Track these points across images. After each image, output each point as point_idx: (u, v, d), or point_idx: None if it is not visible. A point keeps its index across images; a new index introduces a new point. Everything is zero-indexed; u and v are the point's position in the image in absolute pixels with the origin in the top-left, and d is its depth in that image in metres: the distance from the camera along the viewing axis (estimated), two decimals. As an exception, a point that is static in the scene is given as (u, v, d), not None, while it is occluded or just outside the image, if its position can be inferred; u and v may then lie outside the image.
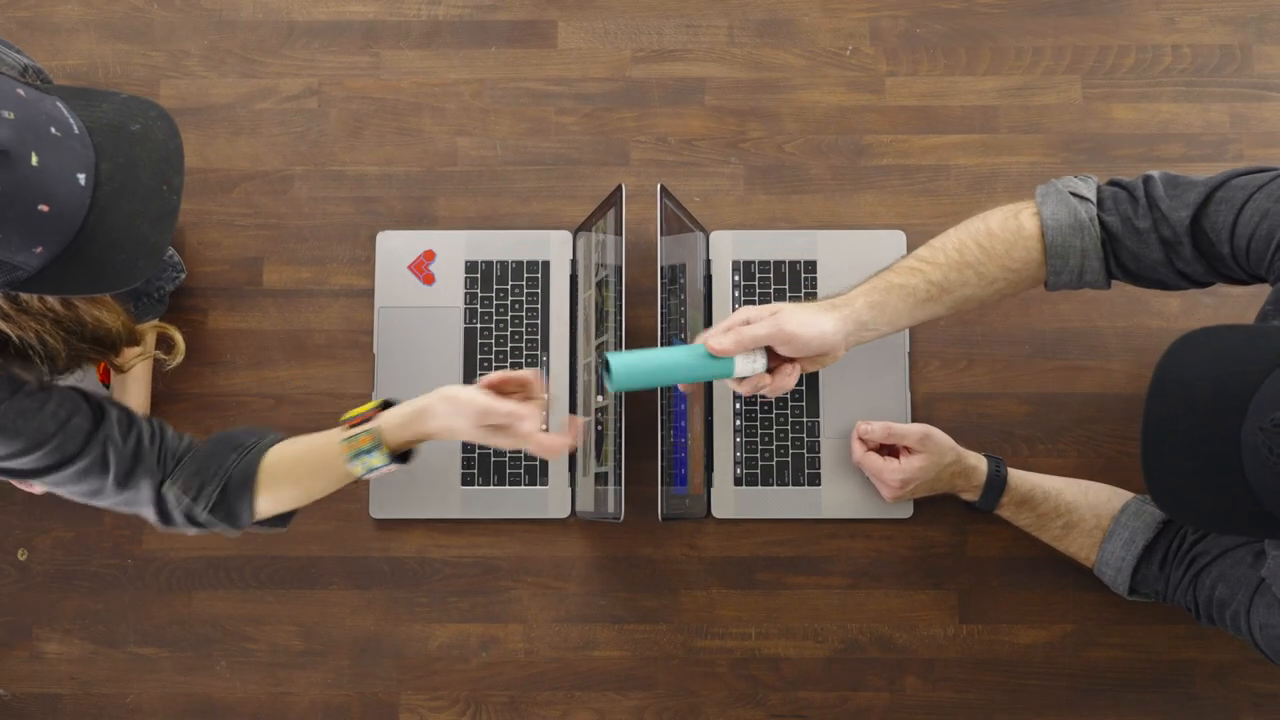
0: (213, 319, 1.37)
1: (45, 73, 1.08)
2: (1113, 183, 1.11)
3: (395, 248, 1.37)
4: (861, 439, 1.29)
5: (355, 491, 1.33)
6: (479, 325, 1.36)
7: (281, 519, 1.16)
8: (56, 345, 0.98)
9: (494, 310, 1.36)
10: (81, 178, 0.86)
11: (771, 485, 1.33)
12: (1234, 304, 1.35)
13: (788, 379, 1.12)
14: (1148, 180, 1.07)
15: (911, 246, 1.36)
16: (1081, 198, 1.10)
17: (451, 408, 1.08)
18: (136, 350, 1.10)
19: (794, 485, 1.33)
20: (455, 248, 1.37)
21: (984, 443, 1.33)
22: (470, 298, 1.36)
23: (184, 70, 1.41)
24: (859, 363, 1.34)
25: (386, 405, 1.11)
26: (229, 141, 1.40)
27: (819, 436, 1.33)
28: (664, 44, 1.42)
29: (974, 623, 1.31)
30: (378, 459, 1.08)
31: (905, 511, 1.32)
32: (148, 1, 1.43)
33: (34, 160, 0.83)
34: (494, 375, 1.11)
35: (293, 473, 1.12)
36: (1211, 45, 1.40)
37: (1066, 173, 1.38)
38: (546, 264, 1.37)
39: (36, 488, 1.27)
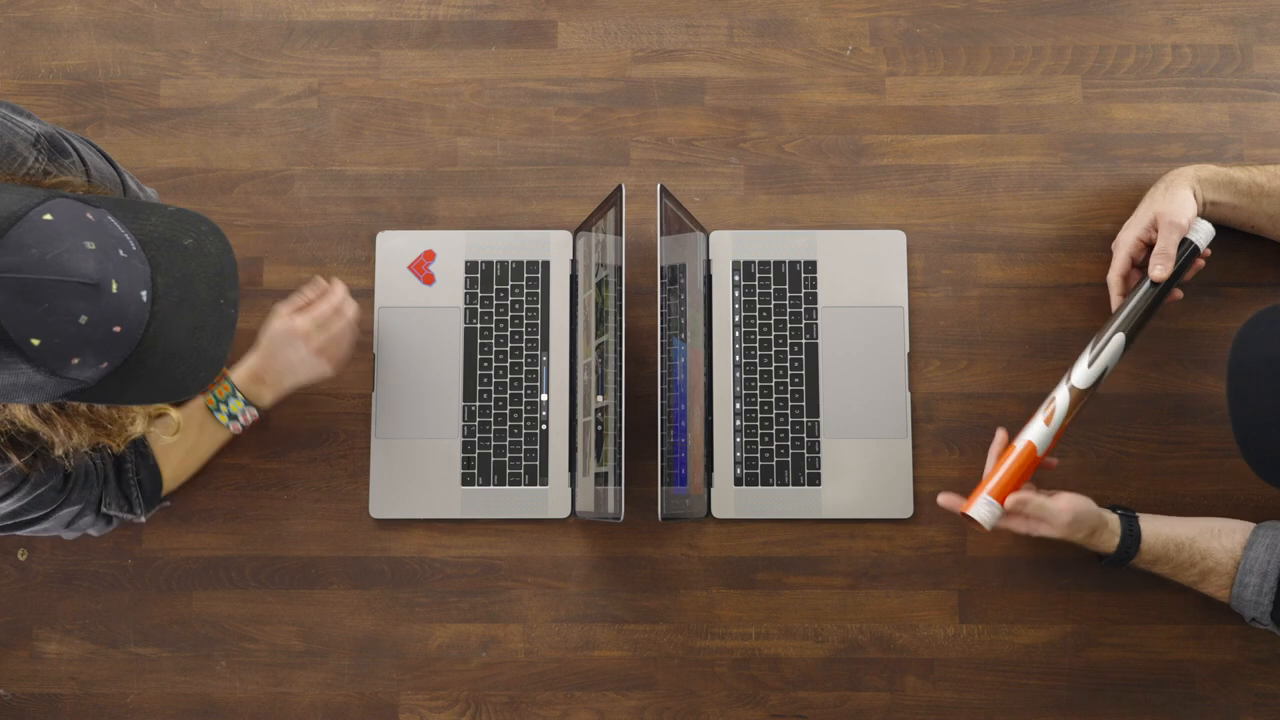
0: (213, 319, 1.37)
1: (56, 137, 1.08)
2: None
3: (395, 248, 1.37)
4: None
5: (355, 492, 1.33)
6: (479, 325, 1.36)
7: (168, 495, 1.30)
8: (80, 441, 0.99)
9: (494, 310, 1.36)
10: (144, 294, 0.88)
11: (771, 485, 1.33)
12: (1233, 304, 1.35)
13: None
14: None
15: (911, 246, 1.37)
16: None
17: (280, 342, 1.25)
18: (132, 433, 1.11)
19: (794, 485, 1.33)
20: (455, 248, 1.37)
21: (984, 442, 1.33)
22: (470, 298, 1.36)
23: (184, 70, 1.41)
24: (859, 363, 1.35)
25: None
26: (229, 141, 1.40)
27: (819, 436, 1.33)
28: (664, 44, 1.42)
29: (974, 623, 1.31)
30: (236, 404, 1.26)
31: (905, 511, 1.32)
32: (148, 1, 1.43)
33: (114, 288, 0.84)
34: (297, 298, 1.28)
35: (185, 452, 1.27)
36: (1211, 45, 1.40)
37: (1066, 172, 1.38)
38: (546, 264, 1.37)
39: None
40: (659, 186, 1.18)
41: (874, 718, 1.30)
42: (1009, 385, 1.35)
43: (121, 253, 0.87)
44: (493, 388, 1.35)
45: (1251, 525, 1.22)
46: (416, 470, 1.33)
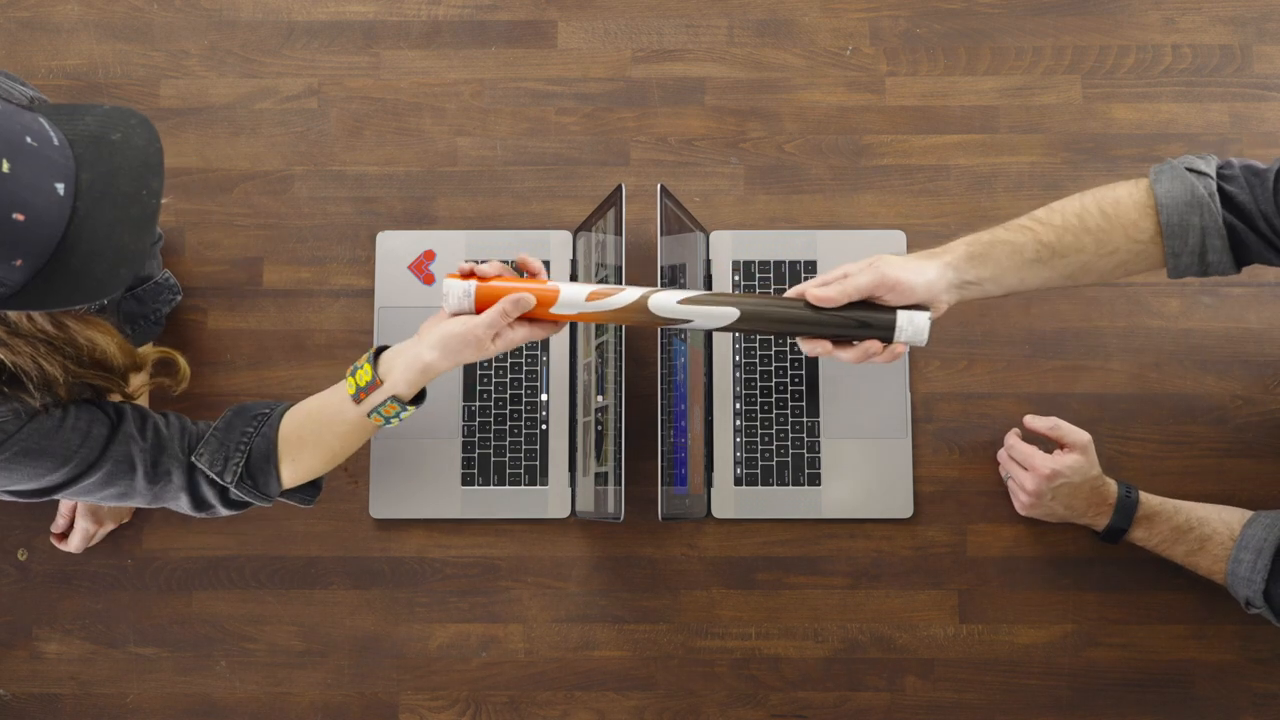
0: (213, 319, 1.37)
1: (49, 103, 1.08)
2: (1236, 162, 1.07)
3: (395, 248, 1.37)
4: (1025, 424, 1.25)
5: (355, 492, 1.33)
6: (479, 325, 1.36)
7: (309, 491, 1.17)
8: (54, 371, 0.97)
9: (494, 310, 1.36)
10: (60, 187, 0.85)
11: (771, 485, 1.33)
12: (1233, 304, 1.35)
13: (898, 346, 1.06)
14: None
15: (911, 246, 1.37)
16: (1200, 173, 1.05)
17: (445, 351, 1.08)
18: (143, 379, 1.08)
19: (794, 485, 1.33)
20: (455, 248, 1.37)
21: (984, 442, 1.33)
22: (470, 298, 1.36)
23: (184, 70, 1.41)
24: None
25: (380, 351, 1.12)
26: (229, 141, 1.40)
27: (819, 436, 1.33)
28: (664, 44, 1.42)
29: (974, 623, 1.31)
30: (407, 413, 1.11)
31: (905, 511, 1.32)
32: (148, 1, 1.43)
33: (4, 167, 0.82)
34: (488, 268, 1.09)
35: (314, 436, 1.12)
36: (1211, 45, 1.40)
37: (1066, 172, 1.38)
38: (547, 264, 1.37)
39: (72, 544, 1.31)
40: (659, 186, 1.18)
41: (874, 718, 1.30)
42: (1009, 385, 1.35)
43: (29, 140, 0.84)
44: (493, 388, 1.35)
45: (1250, 511, 1.23)
46: (416, 470, 1.33)
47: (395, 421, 1.11)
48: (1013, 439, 1.29)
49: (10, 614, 1.33)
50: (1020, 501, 1.28)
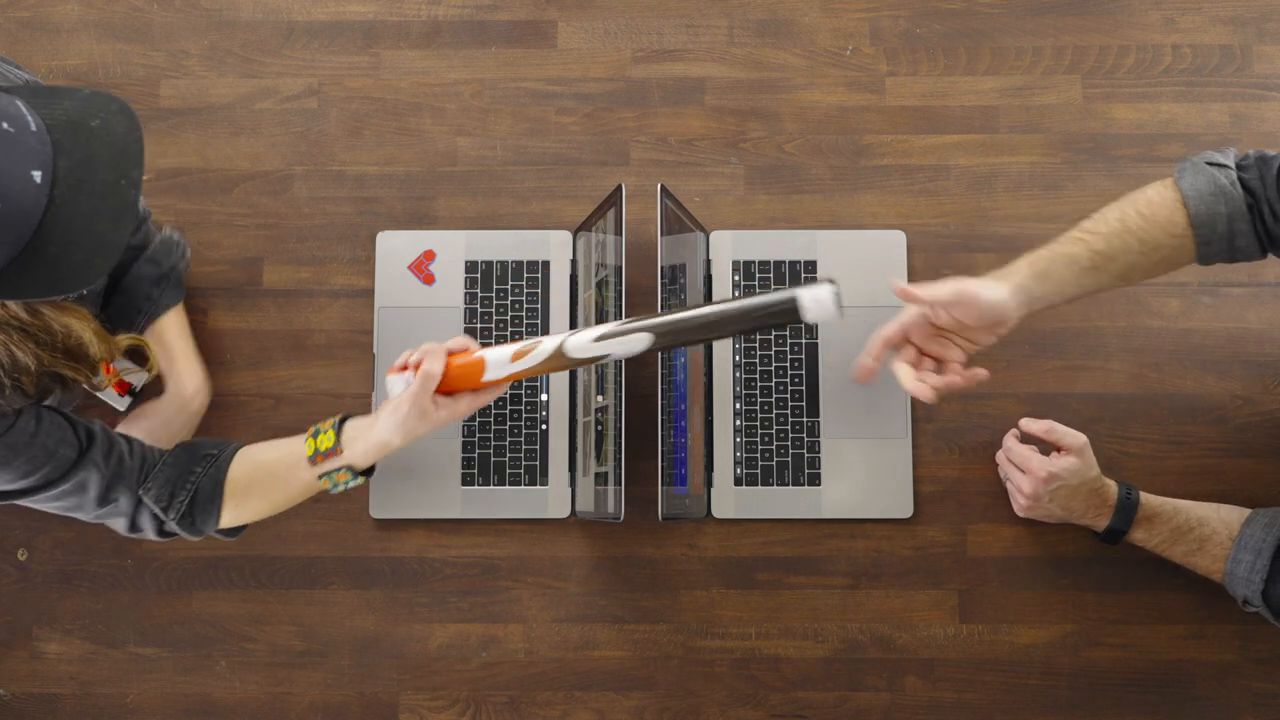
0: (213, 319, 1.37)
1: (39, 85, 1.07)
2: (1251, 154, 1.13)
3: (395, 248, 1.37)
4: (1021, 428, 1.27)
5: (355, 492, 1.33)
6: (479, 325, 1.36)
7: (237, 529, 1.19)
8: (25, 359, 0.96)
9: (494, 310, 1.36)
10: (38, 175, 0.83)
11: (771, 485, 1.33)
12: (1233, 304, 1.35)
13: (971, 370, 1.13)
14: None
15: (912, 246, 1.37)
16: (1220, 165, 1.12)
17: (397, 420, 1.10)
18: (111, 374, 1.06)
19: (794, 485, 1.33)
20: (455, 248, 1.37)
21: (984, 442, 1.33)
22: (470, 298, 1.36)
23: (184, 70, 1.41)
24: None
25: (345, 419, 1.15)
26: (229, 141, 1.40)
27: (819, 436, 1.33)
28: (664, 44, 1.42)
29: (974, 623, 1.31)
30: (354, 484, 1.14)
31: (905, 511, 1.32)
32: (148, 1, 1.43)
33: None
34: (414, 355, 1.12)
35: (262, 486, 1.15)
36: (1211, 45, 1.40)
37: (1066, 172, 1.38)
38: (546, 264, 1.37)
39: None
40: (659, 186, 1.18)
41: (874, 718, 1.30)
42: (1009, 385, 1.35)
43: (5, 125, 0.81)
44: (493, 388, 1.35)
45: (1249, 510, 1.23)
46: (416, 470, 1.33)
47: (342, 489, 1.14)
48: (1010, 441, 1.29)
49: (10, 614, 1.33)
50: (1018, 503, 1.28)
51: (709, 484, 1.33)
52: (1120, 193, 1.37)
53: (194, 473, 1.13)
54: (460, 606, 1.33)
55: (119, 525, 1.14)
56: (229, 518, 1.15)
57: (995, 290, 1.10)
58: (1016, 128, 1.40)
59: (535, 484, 1.33)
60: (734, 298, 1.09)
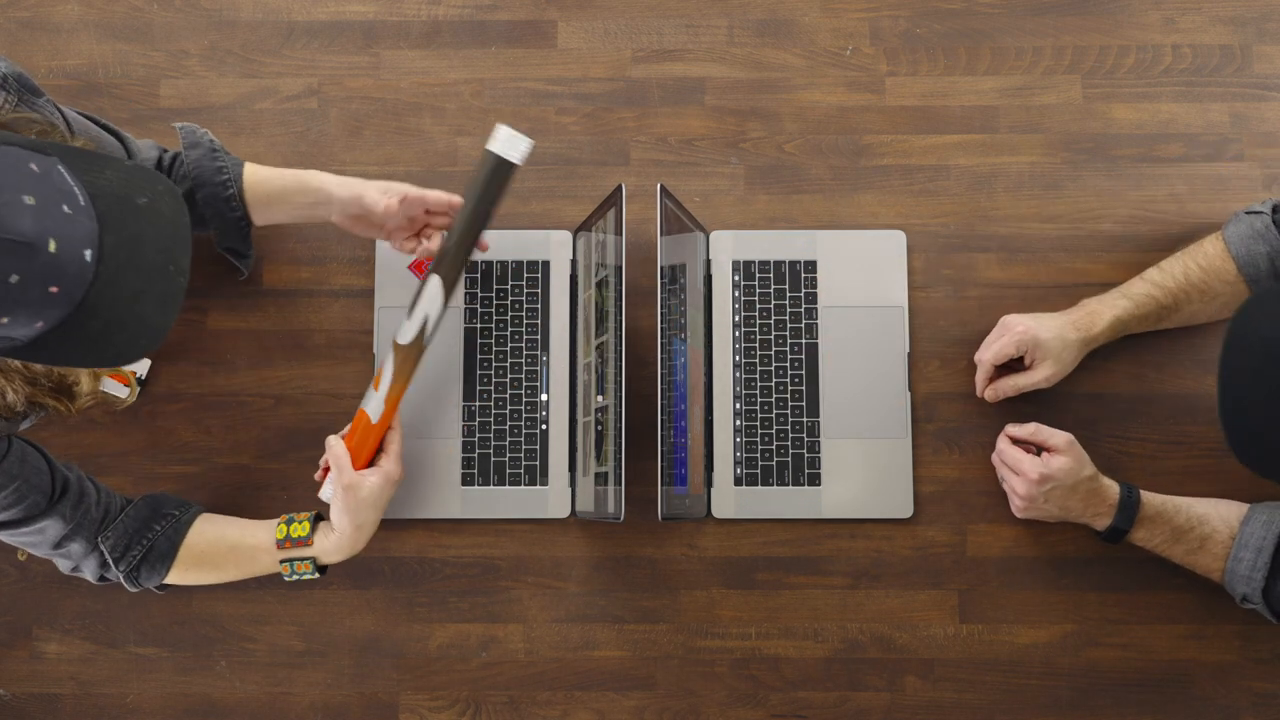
0: (213, 319, 1.37)
1: (26, 77, 1.05)
2: None
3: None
4: (1008, 434, 1.29)
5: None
6: (479, 325, 1.36)
7: (167, 586, 1.25)
8: (16, 399, 0.95)
9: (494, 310, 1.36)
10: (88, 254, 0.82)
11: (771, 485, 1.33)
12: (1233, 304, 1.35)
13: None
14: None
15: (911, 246, 1.37)
16: (1256, 213, 1.25)
17: (343, 512, 1.19)
18: (87, 400, 1.05)
19: (794, 485, 1.33)
20: (455, 248, 1.37)
21: (984, 442, 1.33)
22: (470, 298, 1.36)
23: (184, 70, 1.41)
24: (859, 363, 1.34)
25: (319, 517, 1.24)
26: (229, 141, 1.40)
27: (819, 436, 1.33)
28: (664, 44, 1.42)
29: (974, 623, 1.31)
30: (309, 577, 1.22)
31: (905, 511, 1.32)
32: (148, 1, 1.43)
33: (52, 247, 0.79)
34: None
35: (219, 558, 1.23)
36: (1211, 45, 1.40)
37: (1066, 172, 1.38)
38: (546, 264, 1.37)
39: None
40: (659, 186, 1.18)
41: (874, 718, 1.30)
42: (1009, 385, 1.35)
43: (66, 208, 0.81)
44: (493, 388, 1.35)
45: (1247, 505, 1.23)
46: (416, 470, 1.33)
47: (296, 579, 1.22)
48: (1002, 443, 1.29)
49: (10, 614, 1.33)
50: (1015, 505, 1.28)
51: (709, 484, 1.33)
52: (1120, 192, 1.38)
53: (153, 530, 1.21)
54: (460, 606, 1.33)
55: (64, 566, 1.20)
56: (175, 578, 1.22)
57: (1062, 340, 1.25)
58: (1016, 128, 1.40)
59: (535, 484, 1.33)
60: (466, 199, 1.22)
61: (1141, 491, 1.25)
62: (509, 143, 1.20)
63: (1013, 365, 1.29)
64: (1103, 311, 1.26)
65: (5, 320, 0.79)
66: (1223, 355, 0.95)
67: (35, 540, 1.15)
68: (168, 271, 0.87)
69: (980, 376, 1.30)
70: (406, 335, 1.21)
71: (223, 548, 1.22)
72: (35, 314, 0.80)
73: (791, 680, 1.31)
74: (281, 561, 1.21)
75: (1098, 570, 1.31)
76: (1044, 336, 1.24)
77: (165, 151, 1.24)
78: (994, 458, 1.31)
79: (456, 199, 1.25)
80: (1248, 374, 0.93)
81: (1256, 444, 0.94)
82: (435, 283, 1.21)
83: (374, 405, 1.22)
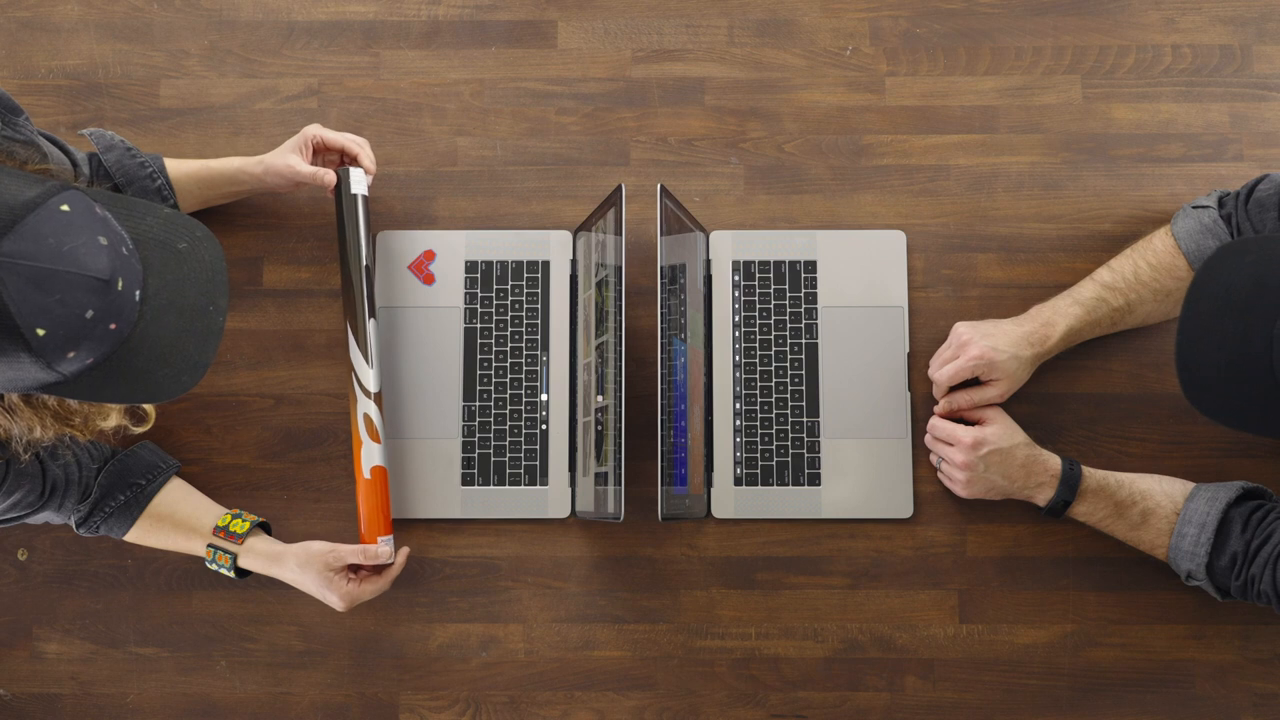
0: (213, 319, 1.37)
1: (5, 96, 1.06)
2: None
3: (395, 248, 1.37)
4: (939, 411, 1.30)
5: (355, 492, 1.33)
6: (479, 325, 1.36)
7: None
8: (44, 434, 0.97)
9: (494, 310, 1.36)
10: (137, 294, 0.88)
11: (771, 485, 1.33)
12: (1234, 304, 1.35)
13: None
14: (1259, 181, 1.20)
15: (911, 246, 1.37)
16: (1203, 207, 1.23)
17: (300, 562, 1.23)
18: (102, 427, 1.07)
19: (794, 485, 1.33)
20: (455, 248, 1.37)
21: (984, 443, 1.33)
22: (470, 298, 1.36)
23: (184, 70, 1.41)
24: (859, 363, 1.34)
25: (265, 526, 1.29)
26: (229, 141, 1.40)
27: (819, 436, 1.33)
28: (664, 44, 1.42)
29: (974, 623, 1.31)
30: (226, 572, 1.25)
31: (905, 511, 1.32)
32: (148, 1, 1.43)
33: (120, 285, 0.85)
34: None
35: (164, 530, 1.26)
36: (1211, 45, 1.40)
37: (1066, 172, 1.38)
38: (546, 264, 1.37)
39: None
40: (659, 186, 1.18)
41: (874, 718, 1.30)
42: (1009, 385, 1.35)
43: (124, 250, 0.87)
44: (493, 388, 1.35)
45: (1192, 483, 1.24)
46: (416, 470, 1.33)
47: (214, 568, 1.25)
48: (933, 420, 1.30)
49: (10, 614, 1.33)
50: (957, 480, 1.28)
51: (709, 484, 1.33)
52: (1120, 192, 1.38)
53: (115, 499, 1.24)
54: (460, 606, 1.33)
55: (31, 522, 1.23)
56: (130, 537, 1.27)
57: (1016, 357, 1.25)
58: (1016, 128, 1.40)
59: (535, 484, 1.33)
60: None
61: (1083, 466, 1.25)
62: (355, 181, 1.29)
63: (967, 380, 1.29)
64: (1056, 322, 1.25)
65: (72, 355, 0.84)
66: (1187, 295, 0.96)
67: (13, 516, 1.19)
68: (208, 311, 0.93)
69: (937, 394, 1.30)
70: (375, 381, 1.29)
71: (178, 518, 1.26)
72: (95, 348, 0.85)
73: (791, 680, 1.31)
74: (208, 546, 1.24)
75: (1098, 570, 1.31)
76: (999, 359, 1.24)
77: (96, 156, 1.26)
78: (927, 439, 1.31)
79: (353, 146, 1.30)
80: (1204, 318, 0.94)
81: (1208, 392, 0.96)
82: (372, 324, 1.29)
83: (377, 455, 1.28)
